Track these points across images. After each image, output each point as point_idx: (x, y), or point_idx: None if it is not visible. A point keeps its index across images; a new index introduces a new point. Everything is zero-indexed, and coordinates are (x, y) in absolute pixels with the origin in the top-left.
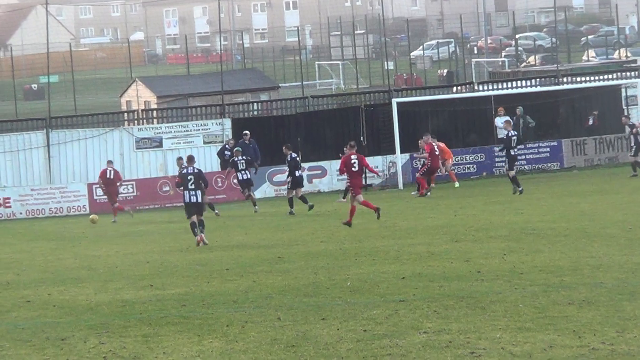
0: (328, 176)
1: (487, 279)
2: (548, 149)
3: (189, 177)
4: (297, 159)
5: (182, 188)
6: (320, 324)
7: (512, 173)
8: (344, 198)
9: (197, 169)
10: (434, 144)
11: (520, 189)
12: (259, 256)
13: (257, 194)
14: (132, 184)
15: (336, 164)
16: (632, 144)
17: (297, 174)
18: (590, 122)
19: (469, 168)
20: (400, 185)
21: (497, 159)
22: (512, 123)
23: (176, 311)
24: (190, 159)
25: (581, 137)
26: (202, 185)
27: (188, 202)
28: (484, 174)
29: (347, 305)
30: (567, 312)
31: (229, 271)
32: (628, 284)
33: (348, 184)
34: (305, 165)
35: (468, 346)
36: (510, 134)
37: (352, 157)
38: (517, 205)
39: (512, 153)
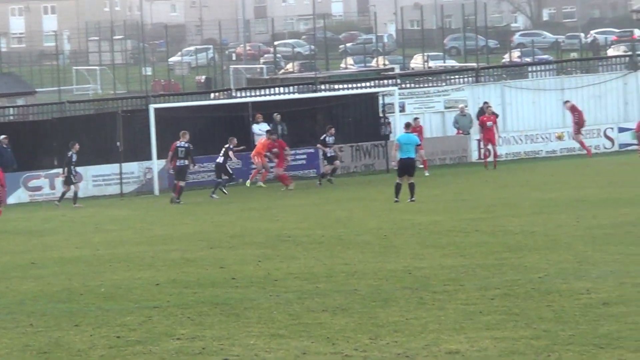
0: (84, 182)
1: (241, 285)
2: (305, 156)
3: None
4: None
5: None
6: (73, 330)
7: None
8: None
9: None
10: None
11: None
12: (12, 262)
13: (12, 199)
14: None
15: (93, 169)
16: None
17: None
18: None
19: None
20: (157, 192)
21: (252, 167)
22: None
23: None
24: None
25: (338, 144)
26: None
27: None
28: (240, 180)
29: (101, 312)
30: (321, 318)
31: None
32: (382, 290)
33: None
34: (61, 170)
35: (222, 353)
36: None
37: None
38: (273, 213)
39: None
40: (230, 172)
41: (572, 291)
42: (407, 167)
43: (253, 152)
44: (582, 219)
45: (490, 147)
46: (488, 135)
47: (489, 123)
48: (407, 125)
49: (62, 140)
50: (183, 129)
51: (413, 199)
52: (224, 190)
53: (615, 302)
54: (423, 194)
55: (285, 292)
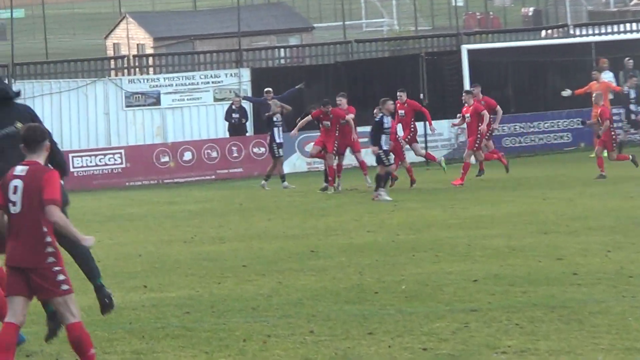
0: None
1: (585, 283)
2: None
3: None
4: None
5: None
6: (366, 340)
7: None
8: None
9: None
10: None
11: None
12: (286, 249)
13: (285, 167)
14: (121, 153)
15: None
16: None
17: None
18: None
19: (562, 137)
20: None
21: None
22: None
23: (177, 320)
24: None
25: None
26: None
27: None
28: (582, 144)
29: (401, 315)
30: None
31: (247, 268)
32: None
33: None
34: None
35: None
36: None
37: None
38: (626, 188)
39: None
40: None
41: None
42: None
43: None
44: None
45: None
46: None
47: None
48: None
49: (348, 90)
50: (504, 76)
51: None
52: None
53: None
54: None
55: None
